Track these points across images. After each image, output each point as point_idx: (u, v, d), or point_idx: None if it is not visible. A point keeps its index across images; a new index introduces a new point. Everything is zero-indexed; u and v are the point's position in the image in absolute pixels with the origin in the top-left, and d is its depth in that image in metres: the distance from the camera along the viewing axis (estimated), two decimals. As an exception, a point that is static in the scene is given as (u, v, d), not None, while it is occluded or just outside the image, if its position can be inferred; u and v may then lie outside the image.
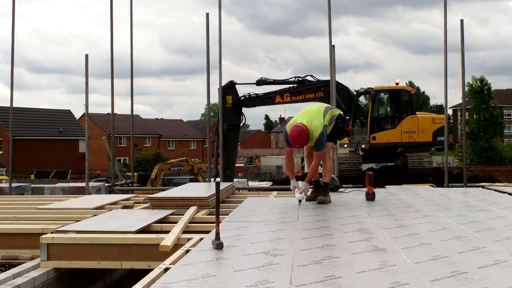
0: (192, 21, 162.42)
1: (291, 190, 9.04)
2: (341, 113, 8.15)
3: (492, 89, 50.52)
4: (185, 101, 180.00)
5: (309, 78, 19.89)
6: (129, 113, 16.02)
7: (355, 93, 21.06)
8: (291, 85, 19.53)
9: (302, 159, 75.34)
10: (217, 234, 4.65)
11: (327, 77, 16.26)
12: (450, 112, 72.94)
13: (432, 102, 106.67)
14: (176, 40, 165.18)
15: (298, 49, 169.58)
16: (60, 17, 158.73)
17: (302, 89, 19.44)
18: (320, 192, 7.84)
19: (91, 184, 15.20)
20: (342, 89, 19.54)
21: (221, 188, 8.84)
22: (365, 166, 21.05)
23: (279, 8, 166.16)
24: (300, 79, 19.72)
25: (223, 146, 15.34)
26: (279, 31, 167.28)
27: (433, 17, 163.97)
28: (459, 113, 65.51)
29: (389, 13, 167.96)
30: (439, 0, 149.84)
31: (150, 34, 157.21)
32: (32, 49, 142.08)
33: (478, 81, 49.01)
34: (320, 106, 8.02)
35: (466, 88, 48.44)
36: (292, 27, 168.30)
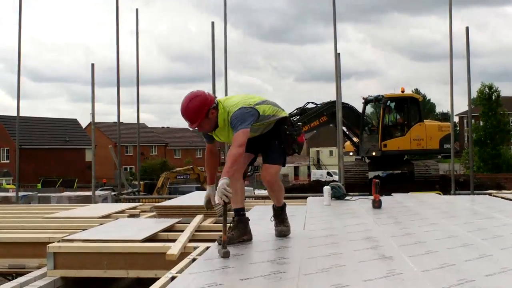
0: (189, 29, 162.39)
1: (297, 199, 8.85)
2: (287, 116, 5.62)
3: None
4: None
5: (310, 105, 20.10)
6: (134, 121, 16.08)
7: (363, 100, 21.16)
8: (294, 118, 19.58)
9: (309, 167, 75.35)
10: (224, 242, 4.64)
11: (331, 86, 16.29)
12: (456, 119, 72.85)
13: (437, 109, 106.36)
14: (175, 48, 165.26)
15: (298, 56, 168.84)
16: (56, 25, 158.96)
17: (306, 120, 19.58)
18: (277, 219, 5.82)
19: (98, 192, 15.23)
20: (344, 107, 19.67)
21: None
22: (371, 174, 21.06)
23: (275, 14, 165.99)
24: (300, 109, 19.92)
25: None
26: (277, 38, 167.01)
27: (431, 23, 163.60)
28: (465, 120, 65.41)
29: (386, 20, 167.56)
30: (436, 6, 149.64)
31: (148, 42, 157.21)
32: (31, 57, 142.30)
33: (486, 88, 48.89)
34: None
35: (475, 95, 48.42)
36: (290, 34, 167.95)
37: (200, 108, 4.90)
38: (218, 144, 5.56)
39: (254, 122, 5.11)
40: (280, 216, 5.77)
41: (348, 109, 20.61)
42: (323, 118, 19.87)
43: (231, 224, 5.33)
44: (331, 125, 20.10)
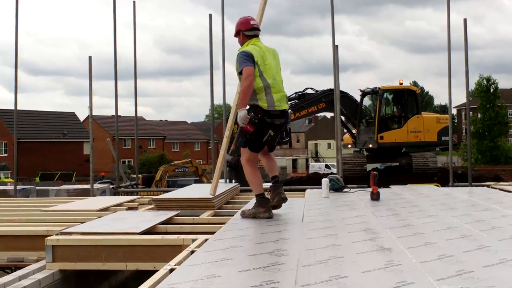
0: (185, 21, 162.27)
1: (295, 191, 8.96)
2: (255, 105, 6.22)
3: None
4: (184, 102, 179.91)
5: (309, 91, 20.08)
6: (132, 114, 16.07)
7: (360, 93, 21.16)
8: (292, 102, 19.55)
9: (307, 160, 75.38)
10: (233, 151, 5.90)
11: (328, 78, 16.31)
12: (454, 111, 72.76)
13: (435, 102, 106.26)
14: (171, 41, 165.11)
15: (294, 49, 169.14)
16: (52, 18, 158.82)
17: (304, 104, 19.56)
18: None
19: (96, 186, 15.23)
20: (342, 96, 19.65)
21: (225, 189, 8.87)
22: (369, 166, 21.07)
23: (271, 7, 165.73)
24: (300, 93, 19.87)
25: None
26: (273, 31, 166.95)
27: (427, 16, 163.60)
28: (463, 113, 65.44)
29: (382, 12, 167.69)
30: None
31: (144, 35, 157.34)
32: (27, 51, 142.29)
33: (484, 80, 48.92)
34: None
35: (473, 87, 48.43)
36: (286, 27, 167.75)
37: (236, 26, 6.55)
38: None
39: (251, 62, 6.15)
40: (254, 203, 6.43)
41: (347, 98, 20.58)
42: (321, 105, 19.85)
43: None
44: (329, 113, 20.03)
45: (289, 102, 19.46)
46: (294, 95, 19.89)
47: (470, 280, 3.40)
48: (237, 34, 6.59)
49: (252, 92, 6.15)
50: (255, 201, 6.38)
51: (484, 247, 4.38)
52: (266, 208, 6.29)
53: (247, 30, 6.50)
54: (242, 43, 6.52)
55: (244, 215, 6.38)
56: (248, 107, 6.19)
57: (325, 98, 19.56)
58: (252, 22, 6.53)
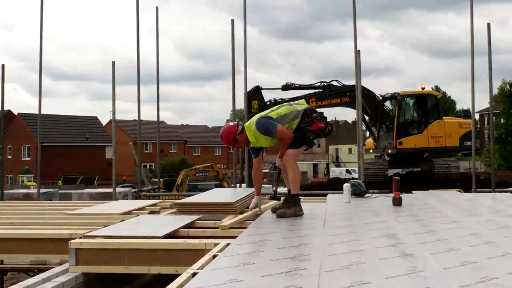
0: (205, 27, 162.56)
1: (316, 196, 8.96)
2: (304, 109, 6.91)
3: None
4: (206, 107, 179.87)
5: (334, 83, 19.91)
6: (154, 119, 16.16)
7: (380, 98, 21.00)
8: (316, 90, 19.48)
9: (328, 165, 75.18)
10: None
11: (352, 82, 16.23)
12: (476, 116, 71.96)
13: (457, 106, 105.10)
14: (192, 46, 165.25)
15: (315, 54, 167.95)
16: (73, 24, 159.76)
17: (328, 94, 19.39)
18: (284, 204, 7.02)
19: (118, 189, 15.32)
20: (368, 94, 19.48)
21: (246, 194, 8.87)
22: (391, 172, 20.93)
23: (292, 12, 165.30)
24: (325, 84, 19.71)
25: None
26: (294, 36, 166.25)
27: (449, 20, 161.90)
28: (486, 118, 64.76)
29: (403, 17, 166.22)
30: (453, 3, 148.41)
31: (165, 41, 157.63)
32: (49, 56, 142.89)
33: (507, 85, 48.36)
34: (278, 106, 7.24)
35: (496, 92, 47.86)
36: (307, 32, 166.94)
37: (227, 139, 6.87)
38: (263, 158, 6.85)
39: (273, 120, 6.73)
40: (289, 203, 6.91)
41: (373, 97, 20.40)
42: (345, 99, 19.64)
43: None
44: (350, 115, 19.99)
45: (313, 91, 19.48)
46: (319, 83, 19.72)
47: (494, 287, 3.37)
48: (234, 141, 6.88)
49: (290, 122, 6.77)
50: (292, 201, 6.91)
51: (508, 254, 4.34)
52: (300, 206, 6.99)
53: (236, 132, 6.83)
54: (245, 136, 6.86)
55: (286, 215, 6.78)
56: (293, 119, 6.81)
57: (350, 93, 19.28)
58: (232, 123, 7.04)
